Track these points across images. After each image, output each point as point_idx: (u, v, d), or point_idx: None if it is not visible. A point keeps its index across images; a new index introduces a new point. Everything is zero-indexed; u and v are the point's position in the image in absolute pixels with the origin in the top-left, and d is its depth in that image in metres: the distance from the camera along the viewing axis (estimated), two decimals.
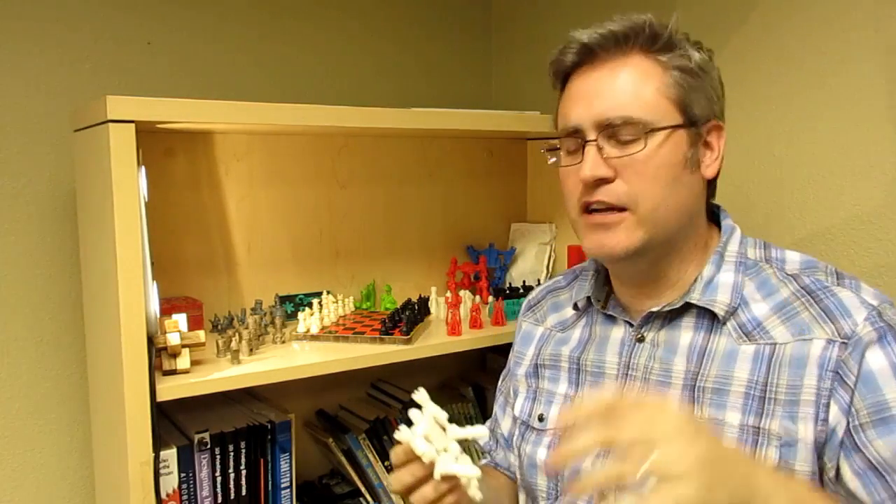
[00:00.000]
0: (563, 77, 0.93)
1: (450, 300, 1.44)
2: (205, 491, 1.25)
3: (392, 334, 1.35)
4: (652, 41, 0.87)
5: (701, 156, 0.90)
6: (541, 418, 1.01)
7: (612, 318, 0.98)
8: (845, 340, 0.81)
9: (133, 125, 1.05)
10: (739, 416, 0.84)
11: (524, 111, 1.54)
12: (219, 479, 1.27)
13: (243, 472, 1.29)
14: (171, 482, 1.21)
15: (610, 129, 0.86)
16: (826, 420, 0.80)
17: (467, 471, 0.85)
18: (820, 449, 0.81)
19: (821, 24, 1.25)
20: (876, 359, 0.80)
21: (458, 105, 1.82)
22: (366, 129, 1.39)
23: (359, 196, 1.62)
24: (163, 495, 1.19)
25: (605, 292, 1.00)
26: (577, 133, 0.89)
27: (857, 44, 1.21)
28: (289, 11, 1.65)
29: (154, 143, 1.38)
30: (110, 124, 1.04)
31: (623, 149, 0.86)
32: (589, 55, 0.89)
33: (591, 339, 1.00)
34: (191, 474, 1.24)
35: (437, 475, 0.84)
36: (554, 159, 0.95)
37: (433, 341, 1.38)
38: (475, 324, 1.48)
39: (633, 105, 0.86)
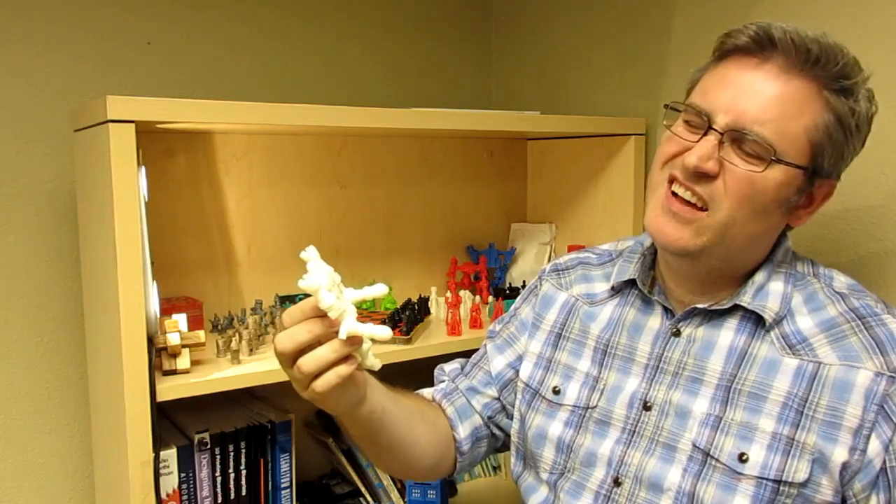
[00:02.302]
0: (725, 53, 0.87)
1: (450, 300, 1.44)
2: (205, 491, 1.25)
3: (392, 334, 1.35)
4: (836, 78, 0.82)
5: (800, 203, 0.87)
6: (556, 391, 0.99)
7: (650, 305, 0.96)
8: (893, 374, 0.80)
9: (133, 125, 1.05)
10: (774, 423, 0.83)
11: (524, 111, 1.55)
12: (219, 479, 1.27)
13: (243, 472, 1.29)
14: (171, 482, 1.21)
15: (738, 134, 0.82)
16: (864, 451, 0.80)
17: (379, 330, 0.76)
18: (849, 478, 0.80)
19: (821, 24, 1.25)
20: None
21: (458, 105, 1.82)
22: (366, 129, 1.39)
23: (359, 196, 1.62)
24: (163, 495, 1.19)
25: (650, 277, 0.98)
26: (706, 115, 0.84)
27: (859, 43, 1.21)
28: (289, 11, 1.65)
29: (154, 143, 1.38)
30: (110, 124, 1.04)
31: (742, 158, 0.82)
32: (766, 49, 0.83)
33: (621, 322, 0.97)
34: (191, 474, 1.24)
35: (342, 333, 0.74)
36: (665, 120, 0.90)
37: (433, 341, 1.38)
38: (475, 324, 1.48)
39: (775, 127, 0.81)
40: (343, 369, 0.77)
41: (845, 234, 1.25)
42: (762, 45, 0.83)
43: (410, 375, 1.69)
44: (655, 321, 0.95)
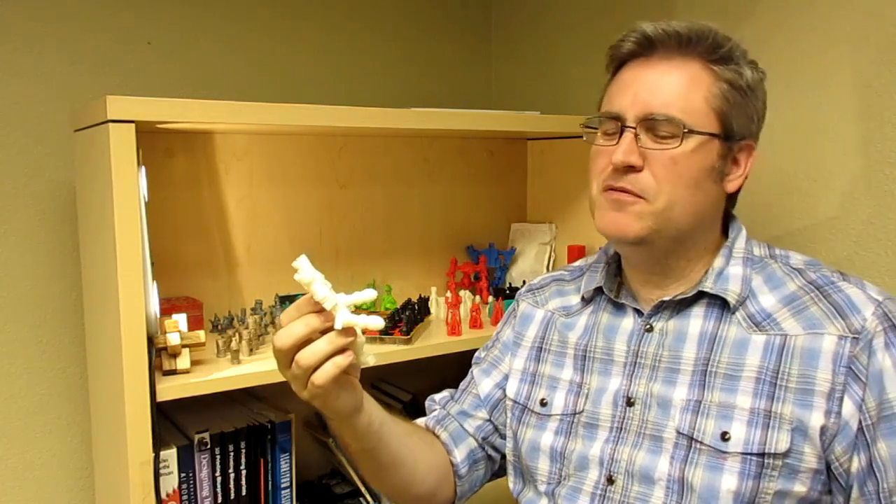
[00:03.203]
0: (618, 63, 0.95)
1: (450, 300, 1.44)
2: (205, 491, 1.25)
3: (392, 334, 1.35)
4: (712, 50, 0.90)
5: (727, 170, 0.92)
6: (543, 403, 1.01)
7: (621, 308, 0.99)
8: (856, 336, 0.84)
9: (133, 125, 1.05)
10: (750, 399, 0.86)
11: (524, 111, 1.55)
12: (219, 479, 1.27)
13: (243, 472, 1.29)
14: (171, 482, 1.21)
15: (650, 122, 0.88)
16: (839, 413, 0.82)
17: (372, 321, 0.79)
18: (829, 442, 0.83)
19: (822, 25, 1.25)
20: (883, 356, 0.83)
21: (458, 105, 1.82)
22: (366, 129, 1.39)
23: (359, 196, 1.62)
24: (163, 495, 1.19)
25: (616, 283, 1.02)
26: (617, 118, 0.91)
27: (860, 44, 1.21)
28: (289, 11, 1.65)
29: (154, 143, 1.38)
30: (110, 124, 1.04)
31: (658, 143, 0.88)
32: (648, 48, 0.91)
33: (597, 328, 1.01)
34: (191, 474, 1.24)
35: (338, 324, 0.78)
36: (584, 138, 0.97)
37: (433, 341, 1.38)
38: (475, 324, 1.48)
39: (677, 105, 0.88)
40: (341, 359, 0.80)
41: (849, 236, 1.25)
42: (644, 46, 0.91)
43: (410, 375, 1.69)
44: (628, 322, 0.98)
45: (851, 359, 0.83)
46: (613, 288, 1.01)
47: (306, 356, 0.79)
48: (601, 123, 0.94)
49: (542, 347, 1.06)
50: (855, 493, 0.83)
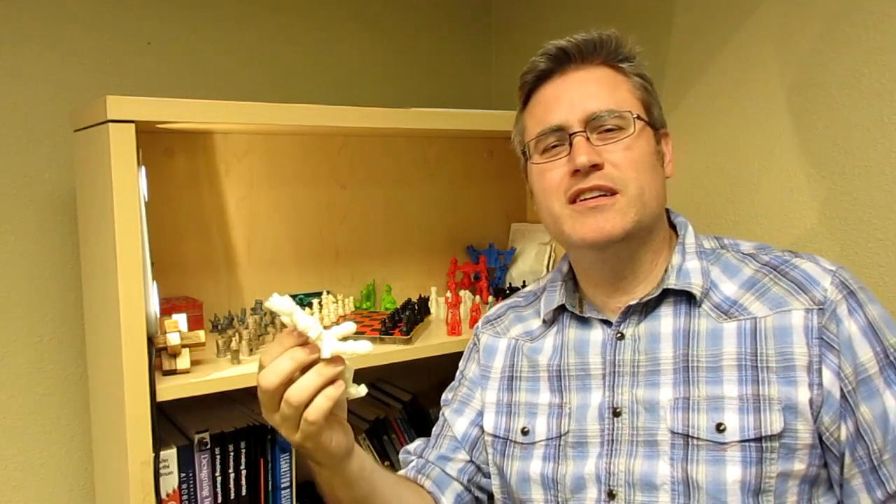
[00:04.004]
0: (530, 88, 0.99)
1: (450, 300, 1.44)
2: (205, 491, 1.25)
3: (392, 334, 1.35)
4: (616, 53, 0.95)
5: (663, 156, 0.97)
6: (525, 431, 0.99)
7: (586, 323, 0.98)
8: (821, 307, 0.86)
9: (133, 125, 1.05)
10: (736, 387, 0.86)
11: None
12: (219, 479, 1.27)
13: (243, 472, 1.29)
14: (171, 482, 1.21)
15: (596, 121, 0.91)
16: (821, 384, 0.84)
17: (360, 346, 0.76)
18: (817, 413, 0.84)
19: (822, 24, 1.25)
20: (849, 322, 0.85)
21: (458, 105, 1.82)
22: (365, 129, 1.40)
23: (359, 196, 1.62)
24: (163, 495, 1.19)
25: (576, 298, 1.02)
26: (559, 130, 0.93)
27: (853, 45, 1.21)
28: (289, 11, 1.65)
29: (154, 143, 1.38)
30: (110, 124, 1.04)
31: (607, 139, 0.91)
32: (562, 62, 0.95)
33: (566, 346, 0.99)
34: (191, 474, 1.24)
35: (326, 353, 0.74)
36: (533, 161, 0.98)
37: (433, 341, 1.38)
38: (475, 324, 1.48)
39: (613, 100, 0.92)
40: (332, 391, 0.76)
41: (852, 237, 1.25)
42: (559, 60, 0.95)
43: (410, 375, 1.69)
44: (597, 334, 0.97)
45: (821, 329, 0.85)
46: (576, 304, 1.01)
47: (296, 392, 0.75)
48: (535, 144, 0.96)
49: (512, 376, 1.03)
50: (847, 459, 0.84)
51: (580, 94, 0.93)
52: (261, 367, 0.78)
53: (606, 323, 0.96)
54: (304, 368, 0.76)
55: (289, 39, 1.65)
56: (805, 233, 1.29)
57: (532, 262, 1.74)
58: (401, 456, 1.11)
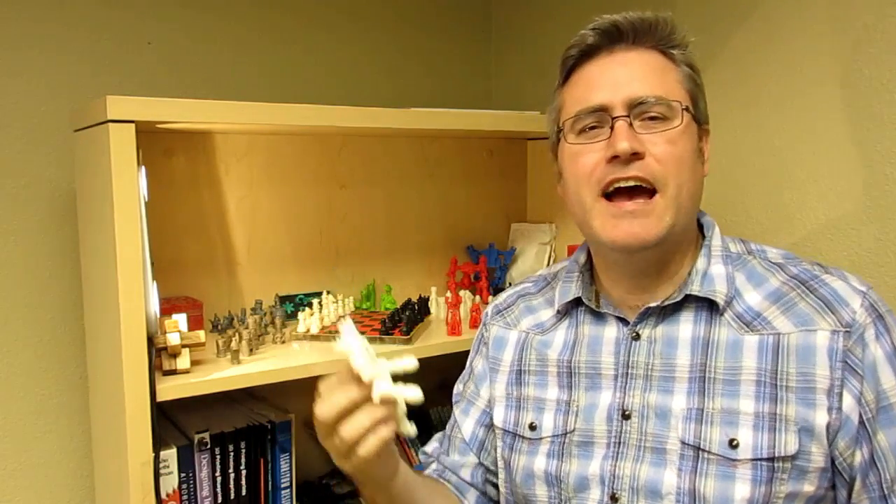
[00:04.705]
0: (573, 63, 0.92)
1: (450, 300, 1.44)
2: (205, 491, 1.25)
3: (392, 334, 1.35)
4: (669, 38, 0.89)
5: (702, 153, 0.92)
6: (532, 427, 0.97)
7: (602, 318, 0.95)
8: (848, 329, 0.83)
9: (133, 125, 1.05)
10: (753, 404, 0.84)
11: (524, 111, 1.54)
12: (219, 479, 1.27)
13: (243, 472, 1.29)
14: (171, 482, 1.21)
15: (642, 107, 0.85)
16: (840, 409, 0.81)
17: (411, 393, 0.78)
18: (833, 437, 0.82)
19: (822, 24, 1.25)
20: (875, 347, 0.83)
21: (458, 105, 1.82)
22: (366, 129, 1.39)
23: (359, 196, 1.62)
24: (163, 495, 1.19)
25: (592, 291, 0.98)
26: (601, 111, 0.87)
27: (860, 42, 1.21)
28: (289, 11, 1.65)
29: (154, 143, 1.38)
30: (110, 124, 1.04)
31: (652, 127, 0.86)
32: (611, 40, 0.88)
33: (578, 341, 0.96)
34: (191, 474, 1.24)
35: (375, 397, 0.77)
36: (563, 140, 0.92)
37: (433, 341, 1.38)
38: (475, 324, 1.48)
39: (661, 87, 0.86)
40: (383, 432, 0.78)
41: (849, 236, 1.25)
42: (610, 37, 0.88)
43: (410, 375, 1.69)
44: (611, 331, 0.94)
45: (846, 352, 0.82)
46: (592, 297, 0.97)
47: (348, 430, 0.77)
48: (577, 122, 0.89)
49: (521, 370, 1.01)
50: (858, 485, 0.82)
51: (627, 75, 0.87)
52: (319, 395, 0.80)
53: (622, 321, 0.93)
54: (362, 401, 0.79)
55: (289, 39, 1.65)
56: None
57: (532, 262, 1.74)
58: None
